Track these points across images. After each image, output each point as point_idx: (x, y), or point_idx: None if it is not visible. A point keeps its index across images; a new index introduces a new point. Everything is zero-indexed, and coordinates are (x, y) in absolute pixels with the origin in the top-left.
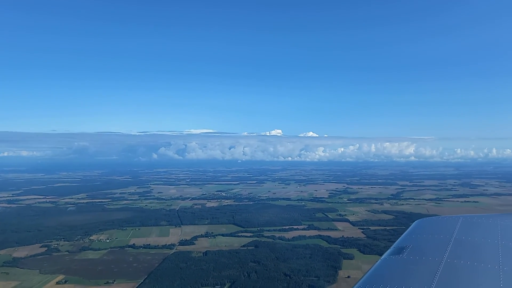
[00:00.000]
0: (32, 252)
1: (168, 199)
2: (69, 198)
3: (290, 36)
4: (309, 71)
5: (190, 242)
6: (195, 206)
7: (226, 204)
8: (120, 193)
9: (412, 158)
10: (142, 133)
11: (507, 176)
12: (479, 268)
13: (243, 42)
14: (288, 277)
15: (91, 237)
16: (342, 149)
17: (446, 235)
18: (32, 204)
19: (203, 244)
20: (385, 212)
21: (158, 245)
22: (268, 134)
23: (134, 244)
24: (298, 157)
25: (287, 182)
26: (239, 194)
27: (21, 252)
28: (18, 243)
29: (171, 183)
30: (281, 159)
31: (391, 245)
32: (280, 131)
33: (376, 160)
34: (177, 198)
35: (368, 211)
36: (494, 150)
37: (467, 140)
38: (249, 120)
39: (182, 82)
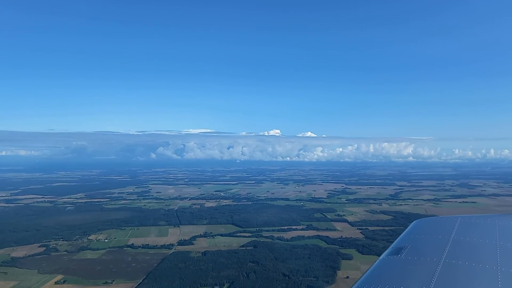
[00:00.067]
0: (31, 252)
1: (167, 199)
2: (67, 198)
3: (288, 36)
4: (307, 71)
5: (189, 242)
6: (194, 206)
7: (225, 204)
8: (118, 193)
9: (410, 159)
10: (141, 133)
11: (505, 177)
12: (477, 269)
13: (241, 42)
14: (287, 278)
15: (89, 237)
16: (341, 149)
17: (444, 235)
18: (31, 203)
19: (202, 244)
20: (383, 212)
21: (156, 245)
22: (267, 134)
23: (132, 244)
24: (296, 157)
25: (285, 182)
26: (237, 194)
27: (19, 252)
28: (16, 243)
29: (169, 183)
30: (280, 159)
31: (390, 246)
32: (278, 131)
33: (374, 160)
34: (176, 198)
35: (367, 211)
36: (492, 151)
37: (465, 140)
38: (247, 120)
39: (180, 81)
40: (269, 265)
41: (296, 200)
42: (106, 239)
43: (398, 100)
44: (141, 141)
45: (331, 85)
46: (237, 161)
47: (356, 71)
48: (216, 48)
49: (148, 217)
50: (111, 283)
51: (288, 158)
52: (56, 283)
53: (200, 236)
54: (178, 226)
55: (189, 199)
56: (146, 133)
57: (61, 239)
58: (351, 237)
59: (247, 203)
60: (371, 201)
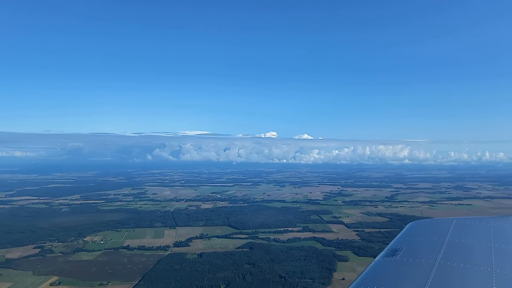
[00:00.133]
0: (26, 253)
1: (163, 201)
2: (63, 199)
3: (285, 38)
4: (304, 73)
5: (185, 243)
6: (190, 208)
7: (221, 206)
8: (114, 194)
9: (406, 161)
10: (137, 134)
11: (500, 180)
12: (472, 270)
13: (239, 43)
14: (283, 279)
15: (85, 239)
16: (337, 151)
17: (439, 237)
18: (26, 205)
19: (198, 246)
20: (379, 214)
21: (152, 247)
22: (263, 136)
23: (128, 245)
24: (293, 159)
25: (282, 184)
26: (234, 196)
27: (14, 253)
28: (11, 244)
29: (165, 185)
30: (276, 161)
31: (386, 248)
32: (275, 133)
33: (370, 162)
34: (172, 200)
35: (363, 213)
36: (487, 154)
37: (461, 143)
38: (244, 122)
39: (177, 83)
40: (265, 267)
41: (292, 202)
42: (102, 240)
43: (394, 102)
44: (137, 142)
45: (327, 87)
46: (234, 163)
47: (352, 73)
48: (213, 50)
49: (144, 218)
50: (107, 284)
51: (285, 160)
52: (51, 284)
53: (196, 237)
54: (174, 228)
55: (185, 201)
56: (142, 134)
57: (56, 241)
58: (347, 239)
59: (244, 205)
60: (367, 203)
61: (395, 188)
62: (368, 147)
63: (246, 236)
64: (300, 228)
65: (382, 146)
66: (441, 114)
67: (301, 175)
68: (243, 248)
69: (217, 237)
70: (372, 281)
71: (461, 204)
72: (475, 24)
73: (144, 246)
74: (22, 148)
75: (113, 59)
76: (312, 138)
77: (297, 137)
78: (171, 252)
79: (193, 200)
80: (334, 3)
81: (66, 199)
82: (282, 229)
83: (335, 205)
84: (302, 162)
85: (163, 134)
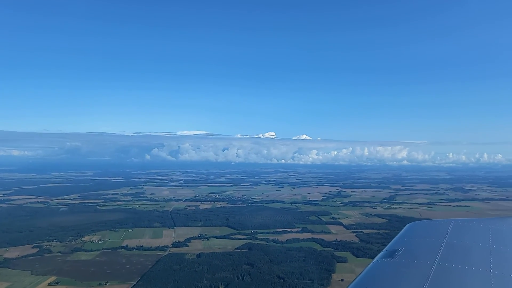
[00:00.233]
0: (24, 253)
1: (161, 201)
2: (61, 199)
3: (284, 38)
4: (303, 73)
5: (184, 244)
6: (188, 208)
7: (220, 206)
8: (112, 194)
9: (405, 162)
10: (135, 134)
11: (498, 181)
12: (470, 272)
13: (237, 43)
14: (282, 280)
15: (83, 238)
16: (335, 152)
17: (437, 238)
18: (24, 204)
19: (197, 246)
20: (378, 215)
21: (151, 247)
22: (262, 137)
23: (127, 245)
24: (291, 159)
25: (280, 184)
26: (232, 196)
27: (12, 253)
28: (9, 244)
29: (164, 185)
30: (275, 161)
31: (384, 249)
32: (273, 133)
33: (369, 163)
34: (170, 200)
35: (361, 214)
36: (485, 155)
37: (459, 144)
38: (242, 122)
39: (176, 83)
40: (264, 268)
41: (291, 202)
42: (100, 240)
43: (393, 103)
44: (135, 142)
45: (326, 87)
46: (232, 163)
47: (351, 74)
48: (212, 50)
49: (143, 218)
50: (105, 284)
51: (283, 161)
52: (49, 284)
53: (195, 238)
54: (173, 228)
55: (183, 201)
56: (140, 134)
57: (55, 240)
58: (346, 240)
59: (242, 205)
60: (366, 204)
61: (394, 189)
62: (366, 148)
63: (244, 236)
64: (299, 229)
65: (380, 147)
66: (439, 115)
67: (300, 175)
68: (242, 248)
69: (216, 237)
70: (370, 282)
71: (459, 206)
72: (472, 25)
73: (142, 246)
74: (20, 147)
75: (112, 58)
76: (310, 138)
77: (295, 138)
78: (169, 252)
79: (192, 200)
80: (333, 3)
81: (64, 199)
82: (281, 229)
83: (333, 206)
84: (301, 162)
85: (162, 134)
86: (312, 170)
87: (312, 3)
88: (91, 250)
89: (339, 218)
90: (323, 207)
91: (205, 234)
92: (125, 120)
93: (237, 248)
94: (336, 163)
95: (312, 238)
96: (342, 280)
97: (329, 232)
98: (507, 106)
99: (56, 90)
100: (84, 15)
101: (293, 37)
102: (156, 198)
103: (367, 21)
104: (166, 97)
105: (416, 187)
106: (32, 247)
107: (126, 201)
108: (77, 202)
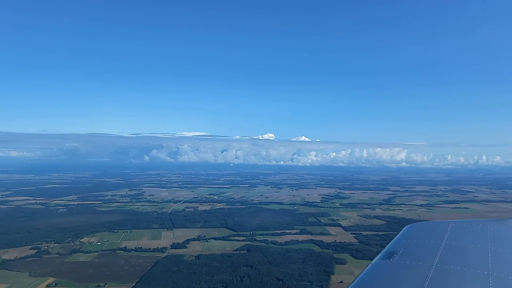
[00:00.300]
0: (22, 254)
1: (160, 202)
2: (59, 200)
3: (283, 40)
4: (301, 75)
5: (182, 245)
6: (187, 209)
7: (219, 207)
8: (111, 195)
9: (404, 164)
10: (134, 135)
11: (496, 183)
12: (469, 273)
13: (237, 45)
14: (281, 282)
15: (82, 240)
16: (334, 153)
17: (436, 240)
18: (22, 205)
19: (195, 248)
20: (377, 217)
21: (150, 248)
22: (261, 138)
23: (125, 247)
24: (290, 161)
25: (279, 186)
26: (231, 198)
27: (10, 254)
28: (7, 245)
29: (163, 186)
30: (274, 163)
31: (383, 250)
32: (272, 135)
33: (367, 165)
34: (169, 201)
35: (360, 216)
36: (484, 157)
37: (458, 146)
38: (241, 123)
39: (175, 84)
40: (263, 269)
41: (290, 204)
42: (99, 242)
43: (392, 105)
44: (134, 143)
45: (325, 89)
46: (231, 164)
47: (350, 76)
48: (211, 51)
49: (141, 220)
50: (104, 286)
51: (282, 162)
52: (47, 286)
53: (194, 239)
54: (172, 229)
55: (182, 202)
56: (139, 135)
57: (53, 242)
58: (344, 242)
59: (241, 206)
60: (365, 206)
61: (393, 191)
62: (365, 150)
63: (243, 238)
64: (298, 231)
65: (379, 148)
66: (438, 117)
67: (299, 177)
68: (241, 250)
69: (215, 239)
70: (369, 284)
71: (458, 208)
72: (471, 28)
73: (141, 247)
74: (19, 148)
75: (111, 59)
76: (309, 140)
77: (294, 139)
78: (168, 254)
79: (191, 202)
80: (332, 5)
81: (63, 200)
82: (279, 231)
83: (332, 207)
84: (300, 164)
85: (161, 135)
86: (311, 172)
87: (312, 5)
88: (90, 252)
89: (338, 219)
90: (322, 208)
91: (204, 236)
92: (124, 121)
93: (236, 250)
94: (335, 164)
95: (311, 239)
96: (341, 281)
97: (328, 234)
98: (506, 109)
99: (55, 91)
100: (83, 16)
101: (292, 39)
102: (155, 200)
103: (366, 23)
104: (165, 99)
105: (415, 188)
106: (30, 249)
107: (125, 202)
108: (75, 203)
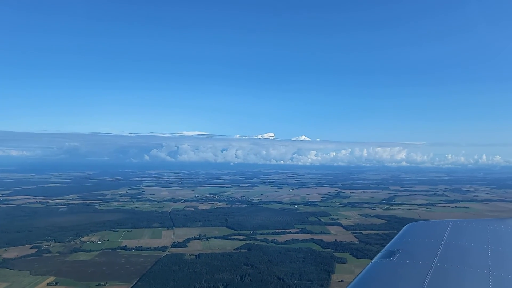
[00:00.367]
0: (23, 253)
1: (160, 201)
2: (59, 199)
3: (283, 39)
4: (302, 74)
5: (183, 244)
6: (188, 209)
7: (219, 206)
8: (111, 195)
9: (404, 163)
10: (134, 134)
11: (497, 183)
12: (469, 273)
13: (237, 44)
14: (281, 281)
15: (82, 239)
16: (334, 153)
17: (436, 239)
18: (22, 204)
19: (196, 247)
20: (377, 216)
21: (150, 247)
22: (261, 137)
23: (126, 246)
24: (290, 160)
25: (279, 185)
26: (231, 197)
27: (11, 253)
28: (8, 244)
29: (163, 185)
30: (274, 162)
31: (383, 249)
32: (272, 134)
33: (368, 164)
34: (169, 200)
35: (361, 215)
36: (484, 156)
37: (458, 146)
38: (241, 122)
39: (175, 83)
40: (263, 268)
41: (290, 203)
42: (99, 240)
43: (392, 104)
44: (134, 142)
45: (325, 89)
46: (231, 164)
47: (350, 75)
48: (212, 50)
49: (142, 219)
50: (104, 285)
51: (282, 162)
52: (48, 284)
53: (194, 238)
54: (172, 228)
55: (182, 201)
56: (139, 134)
57: (54, 241)
58: (345, 241)
59: (241, 206)
60: (365, 205)
61: (393, 190)
62: (365, 149)
63: (244, 237)
64: (298, 230)
65: (379, 148)
66: (438, 116)
67: (299, 176)
68: (241, 249)
69: (215, 238)
70: (369, 283)
71: (458, 207)
72: (471, 27)
73: (141, 246)
74: (19, 147)
75: (111, 58)
76: (309, 139)
77: (294, 139)
78: (168, 253)
79: (191, 201)
80: (333, 5)
81: (63, 199)
82: (280, 230)
83: (333, 206)
84: (300, 163)
85: (161, 134)
86: (311, 171)
87: (312, 5)
88: (90, 251)
89: (338, 219)
90: (322, 208)
91: (204, 235)
92: (124, 120)
93: (237, 249)
94: (335, 164)
95: (312, 239)
96: (341, 280)
97: (329, 233)
98: (507, 108)
99: (55, 90)
100: (83, 15)
101: (293, 39)
102: (155, 199)
103: (367, 23)
104: (165, 98)
105: (415, 188)
106: (31, 247)
107: (125, 201)
108: (76, 202)
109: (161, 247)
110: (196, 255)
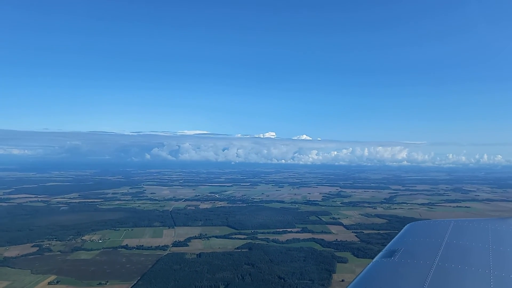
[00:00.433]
0: (24, 252)
1: (161, 200)
2: (61, 198)
3: (285, 38)
4: (303, 73)
5: (184, 243)
6: (189, 208)
7: (220, 205)
8: (112, 193)
9: (405, 163)
10: (135, 133)
11: (498, 182)
12: (470, 272)
13: (238, 44)
14: (282, 280)
15: (83, 237)
16: (335, 152)
17: (437, 238)
18: (24, 203)
19: (197, 246)
20: (378, 216)
21: (151, 246)
22: (262, 137)
23: (127, 245)
24: (291, 159)
25: (280, 184)
26: (232, 196)
27: (12, 252)
28: (9, 243)
29: (164, 184)
30: (275, 161)
31: (384, 249)
32: (274, 133)
33: (369, 164)
34: (170, 199)
35: (362, 214)
36: (485, 156)
37: (459, 145)
38: (243, 122)
39: (176, 82)
40: (264, 268)
41: (291, 202)
42: (100, 239)
43: (393, 104)
44: (135, 141)
45: (327, 88)
46: (232, 163)
47: (352, 75)
48: (213, 50)
49: (143, 218)
50: (105, 284)
51: (283, 161)
52: (49, 283)
53: (195, 237)
54: (173, 228)
55: (183, 201)
56: (141, 133)
57: (55, 239)
58: (346, 240)
59: (242, 205)
60: (366, 205)
61: (394, 189)
62: (366, 149)
63: (245, 236)
64: (299, 229)
65: (380, 147)
66: (439, 116)
67: (300, 175)
68: (242, 248)
69: (216, 237)
70: (370, 282)
71: (459, 207)
72: (472, 27)
73: (142, 245)
74: (20, 146)
75: (112, 58)
76: (310, 139)
77: (295, 138)
78: (170, 252)
79: (192, 200)
80: (334, 4)
81: (64, 198)
82: (281, 229)
83: (334, 206)
84: (301, 162)
85: (162, 133)
86: (312, 170)
87: (313, 4)
88: (91, 249)
89: (339, 218)
90: (323, 207)
91: (205, 234)
92: (125, 119)
93: (238, 248)
94: (336, 163)
95: (313, 238)
96: (342, 280)
97: (329, 232)
98: (508, 108)
99: (56, 89)
100: (84, 14)
101: (294, 38)
102: (156, 198)
103: (368, 23)
104: (166, 97)
105: (416, 187)
106: (32, 246)
107: (126, 200)
108: (77, 201)
109: (162, 246)
110: (197, 254)
